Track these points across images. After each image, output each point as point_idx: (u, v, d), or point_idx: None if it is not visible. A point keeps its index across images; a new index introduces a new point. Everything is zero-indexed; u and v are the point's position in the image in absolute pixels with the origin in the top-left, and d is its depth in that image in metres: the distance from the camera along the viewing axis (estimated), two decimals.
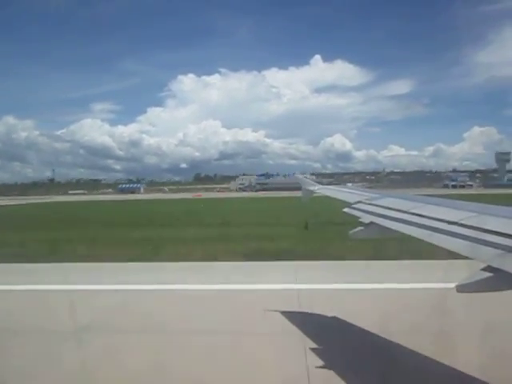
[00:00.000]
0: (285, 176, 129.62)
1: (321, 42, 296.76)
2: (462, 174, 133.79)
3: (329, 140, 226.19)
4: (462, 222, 2.82)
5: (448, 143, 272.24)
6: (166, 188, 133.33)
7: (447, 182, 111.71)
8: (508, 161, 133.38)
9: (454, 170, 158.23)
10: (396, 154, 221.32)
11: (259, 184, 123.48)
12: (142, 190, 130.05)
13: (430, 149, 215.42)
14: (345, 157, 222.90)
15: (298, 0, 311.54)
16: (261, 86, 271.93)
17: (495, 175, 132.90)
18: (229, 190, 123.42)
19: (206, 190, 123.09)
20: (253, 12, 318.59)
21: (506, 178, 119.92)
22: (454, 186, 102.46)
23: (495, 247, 2.29)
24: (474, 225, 2.70)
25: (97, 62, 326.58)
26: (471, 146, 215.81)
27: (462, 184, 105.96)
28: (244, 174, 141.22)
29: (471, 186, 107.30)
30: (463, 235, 2.66)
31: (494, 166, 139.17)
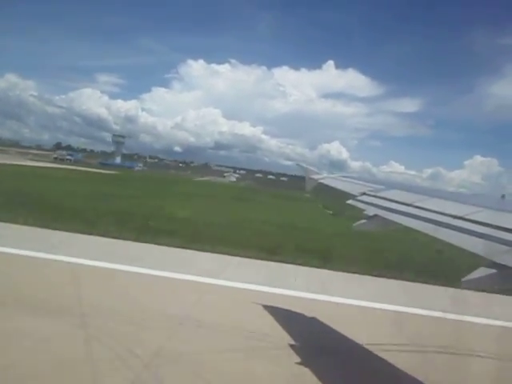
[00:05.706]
0: None
1: (336, 49, 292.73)
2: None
3: (326, 146, 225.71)
4: (468, 216, 2.79)
5: (448, 168, 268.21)
6: None
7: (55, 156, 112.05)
8: (123, 143, 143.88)
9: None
10: (393, 171, 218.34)
11: None
12: None
13: (429, 171, 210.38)
14: (340, 165, 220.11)
15: (322, 4, 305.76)
16: (268, 82, 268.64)
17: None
18: None
19: None
20: (274, 8, 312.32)
21: (118, 159, 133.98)
22: (56, 159, 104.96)
23: (502, 243, 2.26)
24: (480, 220, 2.67)
25: (111, 34, 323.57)
26: (470, 175, 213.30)
27: (69, 158, 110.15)
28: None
29: (70, 160, 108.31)
30: (468, 230, 2.63)
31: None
